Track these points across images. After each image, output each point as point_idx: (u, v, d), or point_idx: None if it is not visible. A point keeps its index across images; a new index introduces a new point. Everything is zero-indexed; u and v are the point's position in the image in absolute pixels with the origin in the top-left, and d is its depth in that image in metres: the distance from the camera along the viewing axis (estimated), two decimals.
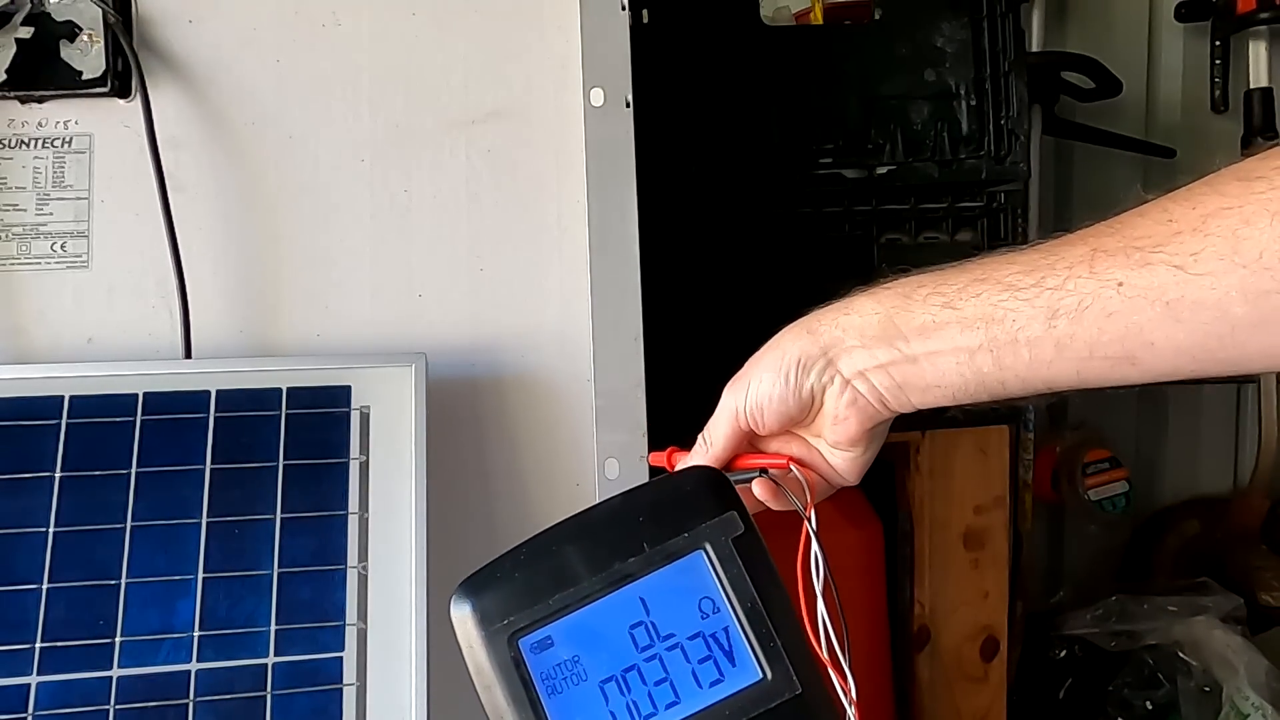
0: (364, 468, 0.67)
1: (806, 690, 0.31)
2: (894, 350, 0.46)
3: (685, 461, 0.49)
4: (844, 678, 0.32)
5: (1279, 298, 0.36)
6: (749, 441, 0.50)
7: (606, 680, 0.31)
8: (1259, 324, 0.37)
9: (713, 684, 0.31)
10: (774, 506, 0.48)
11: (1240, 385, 1.73)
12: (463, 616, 0.33)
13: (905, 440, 1.20)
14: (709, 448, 0.50)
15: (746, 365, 0.51)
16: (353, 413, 0.68)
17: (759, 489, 0.47)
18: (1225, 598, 1.49)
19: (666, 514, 0.33)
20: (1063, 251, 0.42)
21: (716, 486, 0.35)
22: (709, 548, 0.33)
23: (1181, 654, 1.43)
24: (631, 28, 0.77)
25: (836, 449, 0.51)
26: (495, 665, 0.31)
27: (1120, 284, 0.40)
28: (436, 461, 0.69)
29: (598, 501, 0.33)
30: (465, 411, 0.75)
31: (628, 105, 0.77)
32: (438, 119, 0.77)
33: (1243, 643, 1.42)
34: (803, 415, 0.50)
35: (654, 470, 0.52)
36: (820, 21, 1.20)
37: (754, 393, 0.49)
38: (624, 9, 0.77)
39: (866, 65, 1.13)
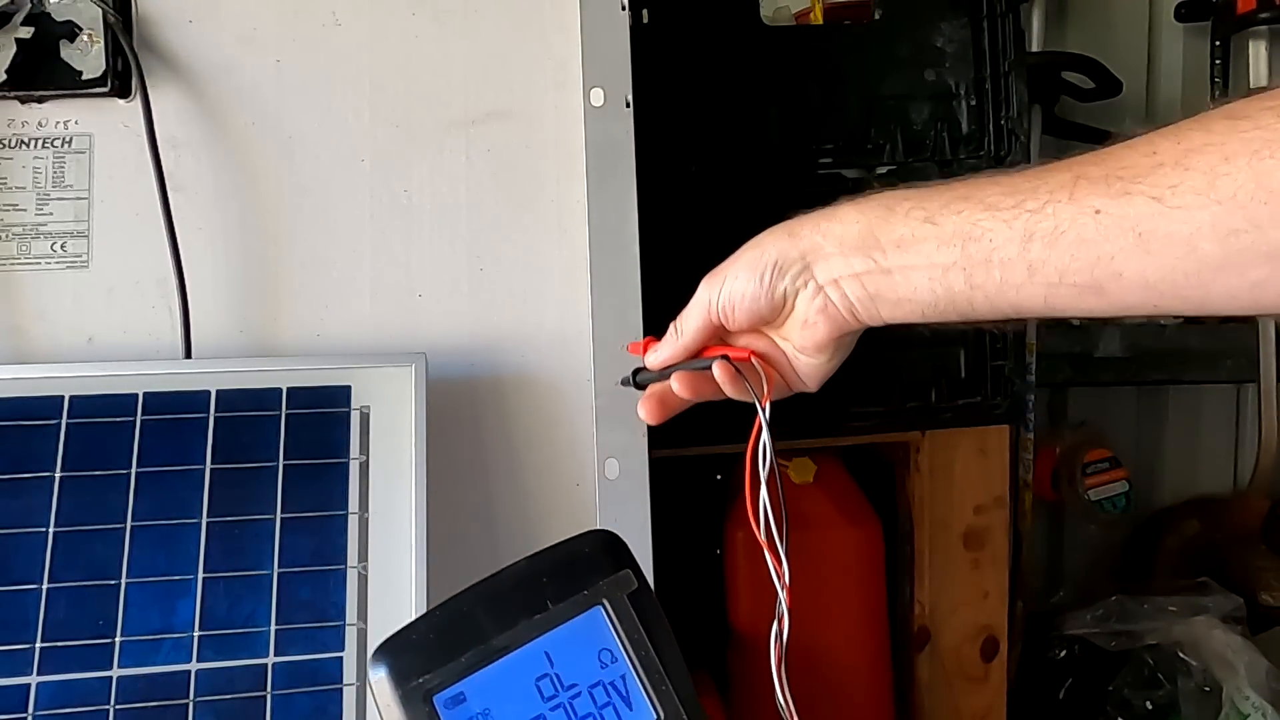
0: (364, 468, 0.67)
1: None
2: (870, 261, 0.47)
3: (656, 350, 0.53)
4: (779, 562, 0.38)
5: (1247, 238, 0.37)
6: (718, 336, 0.52)
7: None
8: (1225, 263, 0.38)
9: None
10: (730, 392, 0.51)
11: (1240, 385, 1.73)
12: (380, 678, 0.35)
13: (905, 440, 1.20)
14: (679, 337, 0.53)
15: (726, 261, 0.52)
16: (353, 413, 0.68)
17: (718, 370, 0.50)
18: (1225, 598, 1.49)
19: (567, 573, 0.36)
20: (1047, 176, 0.42)
21: (613, 547, 0.37)
22: (606, 603, 0.36)
23: (1181, 654, 1.43)
24: (631, 28, 0.77)
25: (802, 354, 0.52)
26: None
27: (1098, 211, 0.40)
28: (436, 461, 0.69)
29: (504, 566, 0.37)
30: (465, 411, 0.75)
31: (628, 105, 0.77)
32: (438, 119, 0.77)
33: (1243, 643, 1.41)
34: (773, 316, 0.51)
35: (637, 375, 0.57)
36: (820, 21, 1.20)
37: (728, 289, 0.50)
38: (624, 9, 0.77)
39: (866, 65, 1.13)
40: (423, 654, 0.35)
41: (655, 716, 0.34)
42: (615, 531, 0.38)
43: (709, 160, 1.08)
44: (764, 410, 0.47)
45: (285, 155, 0.76)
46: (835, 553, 1.16)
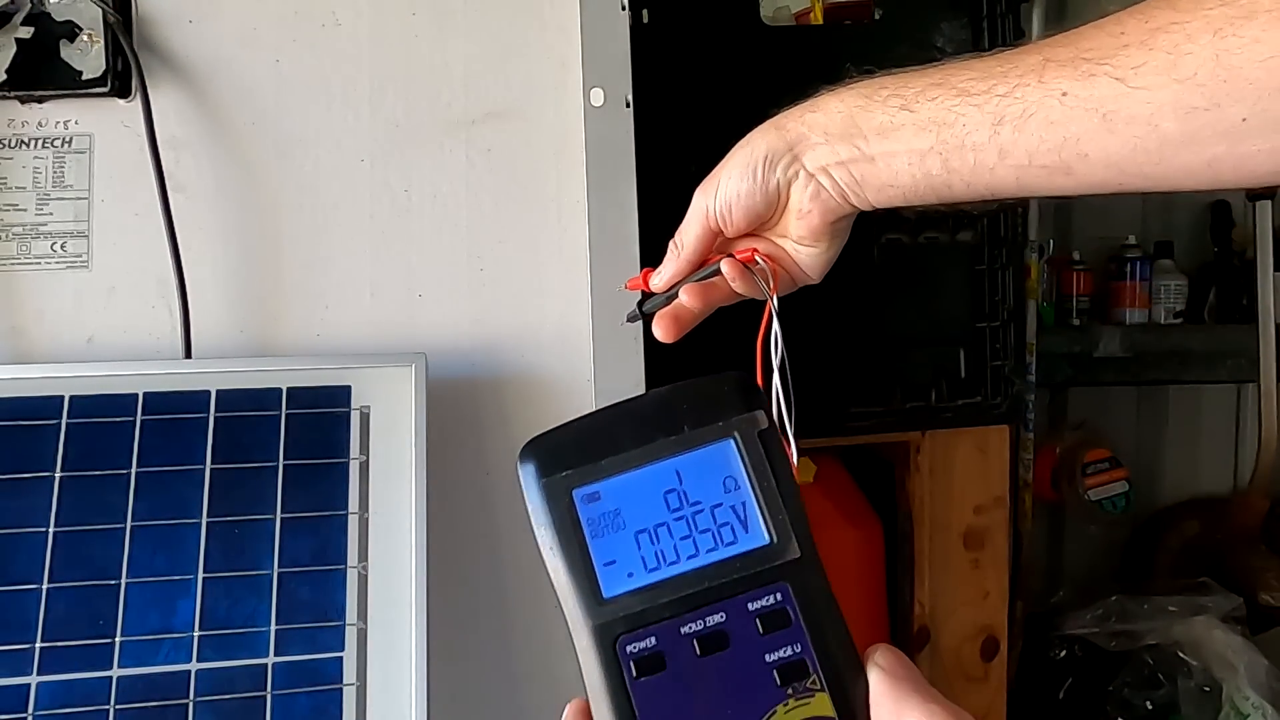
0: (364, 468, 0.67)
1: (804, 556, 0.37)
2: (854, 148, 0.48)
3: (659, 271, 0.55)
4: (788, 444, 0.41)
5: (1206, 115, 0.37)
6: (717, 244, 0.53)
7: (641, 531, 0.37)
8: (1185, 141, 0.38)
9: (727, 544, 0.37)
10: (739, 289, 0.53)
11: (1240, 385, 1.73)
12: (527, 469, 0.39)
13: (905, 440, 1.20)
14: (680, 250, 0.54)
15: (718, 167, 0.53)
16: (353, 413, 0.68)
17: (727, 267, 0.52)
18: (1225, 598, 1.49)
19: (704, 406, 0.39)
20: (1017, 60, 0.43)
21: (748, 390, 0.40)
22: (738, 436, 0.38)
23: (1181, 654, 1.43)
24: (631, 28, 0.77)
25: (801, 244, 0.53)
26: (550, 509, 0.38)
27: (1064, 93, 0.41)
28: (436, 461, 0.69)
29: (645, 392, 0.40)
30: (465, 411, 0.75)
31: (628, 105, 0.77)
32: (438, 119, 0.77)
33: (1243, 643, 1.42)
34: (769, 212, 0.52)
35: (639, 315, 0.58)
36: (820, 21, 1.20)
37: (723, 191, 0.52)
38: (624, 9, 0.77)
39: (866, 65, 1.13)
40: (567, 454, 0.39)
41: (768, 541, 0.37)
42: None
43: (709, 160, 1.08)
44: (773, 300, 0.51)
45: (285, 155, 0.76)
46: (835, 553, 1.16)
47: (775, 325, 0.50)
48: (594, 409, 0.39)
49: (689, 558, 0.37)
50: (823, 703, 0.35)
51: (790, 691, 0.35)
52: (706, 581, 0.37)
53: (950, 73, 0.45)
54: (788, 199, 0.51)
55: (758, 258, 0.52)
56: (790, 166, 0.50)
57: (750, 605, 0.36)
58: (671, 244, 0.54)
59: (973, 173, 0.44)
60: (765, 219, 0.52)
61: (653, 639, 0.36)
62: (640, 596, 0.37)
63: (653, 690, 0.36)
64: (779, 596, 0.36)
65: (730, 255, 0.53)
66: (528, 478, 0.39)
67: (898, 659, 0.35)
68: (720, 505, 0.38)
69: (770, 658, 0.36)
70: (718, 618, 0.36)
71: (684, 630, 0.36)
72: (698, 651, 0.36)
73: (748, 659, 0.36)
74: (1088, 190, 0.43)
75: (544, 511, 0.38)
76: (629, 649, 0.36)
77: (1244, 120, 0.37)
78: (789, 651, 0.36)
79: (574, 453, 0.39)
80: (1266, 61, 0.36)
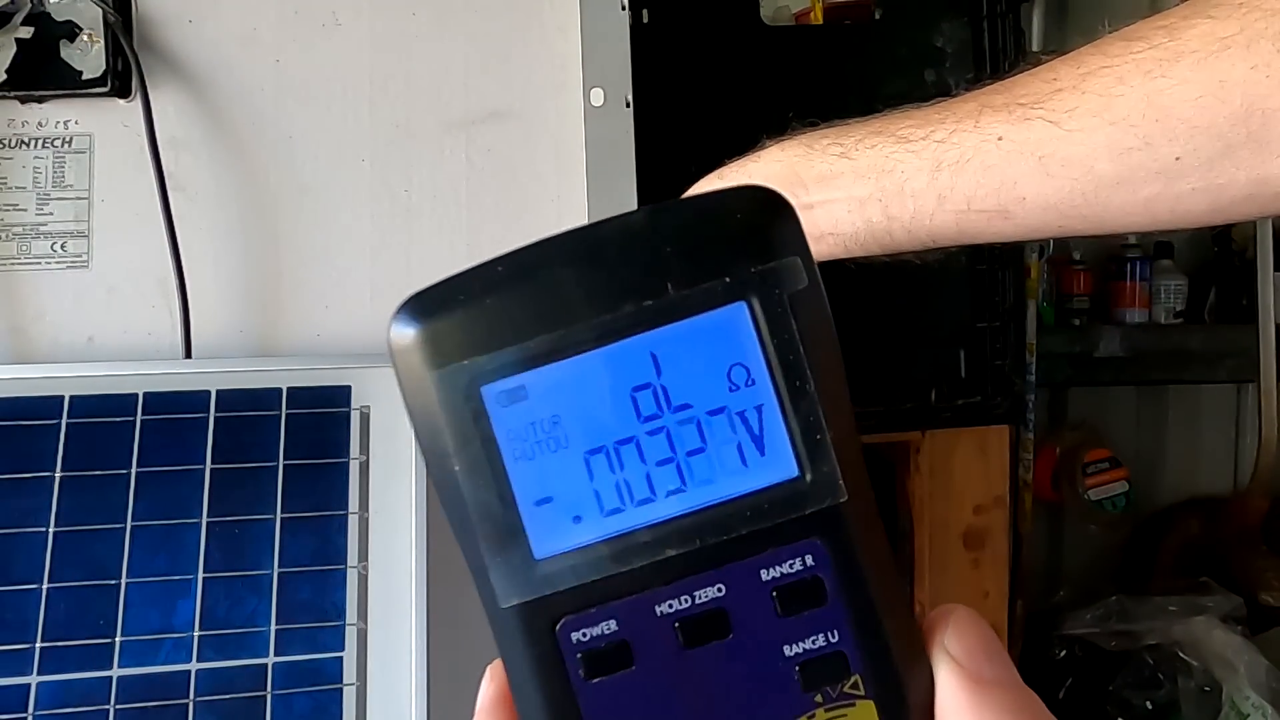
0: (364, 468, 0.67)
1: (853, 500, 0.23)
2: (793, 198, 0.48)
3: None
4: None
5: (1140, 155, 0.38)
6: None
7: (594, 451, 0.24)
8: (1120, 181, 0.39)
9: (733, 474, 0.24)
10: None
11: (1240, 385, 1.73)
12: (408, 345, 0.24)
13: (905, 440, 1.20)
14: None
15: None
16: (353, 413, 0.68)
17: None
18: (1225, 598, 1.49)
19: (704, 246, 0.24)
20: (955, 107, 0.44)
21: (778, 216, 0.24)
22: (756, 301, 0.23)
23: (1181, 654, 1.43)
24: (631, 28, 0.77)
25: None
26: (447, 415, 0.23)
27: (1000, 138, 0.41)
28: None
29: (610, 216, 0.24)
30: None
31: (628, 105, 0.77)
32: (438, 119, 0.77)
33: (1243, 643, 1.42)
34: None
35: None
36: (820, 21, 1.20)
37: None
38: (624, 9, 0.77)
39: (866, 65, 1.13)
40: (475, 323, 0.24)
41: (797, 474, 0.23)
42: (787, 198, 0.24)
43: (709, 160, 1.08)
44: None
45: (285, 155, 0.76)
46: None
47: None
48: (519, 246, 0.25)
49: (671, 494, 0.23)
50: (866, 715, 0.23)
51: (820, 700, 0.24)
52: (698, 535, 0.23)
53: (890, 121, 0.46)
54: None
55: None
56: None
57: (765, 573, 0.23)
58: None
59: (913, 219, 0.44)
60: None
61: (612, 623, 0.23)
62: (593, 556, 0.23)
63: (612, 700, 0.24)
64: (810, 560, 0.23)
65: None
66: (408, 361, 0.24)
67: (980, 643, 0.23)
68: (722, 411, 0.24)
69: (792, 650, 0.24)
70: (714, 591, 0.23)
71: (661, 610, 0.23)
72: (682, 642, 0.23)
73: (758, 653, 0.24)
74: (1028, 234, 0.43)
75: (437, 418, 0.24)
76: (576, 637, 0.23)
77: (1177, 159, 0.37)
78: (820, 641, 0.23)
79: (487, 322, 0.24)
80: (1197, 100, 0.36)
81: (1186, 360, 1.59)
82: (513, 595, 0.24)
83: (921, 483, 1.20)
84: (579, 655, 0.24)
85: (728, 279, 0.23)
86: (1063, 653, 1.52)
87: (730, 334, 0.24)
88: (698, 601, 0.24)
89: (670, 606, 0.23)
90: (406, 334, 0.24)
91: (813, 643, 0.24)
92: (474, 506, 0.24)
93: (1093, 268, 1.67)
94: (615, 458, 0.24)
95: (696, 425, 0.24)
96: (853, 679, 0.24)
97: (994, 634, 0.24)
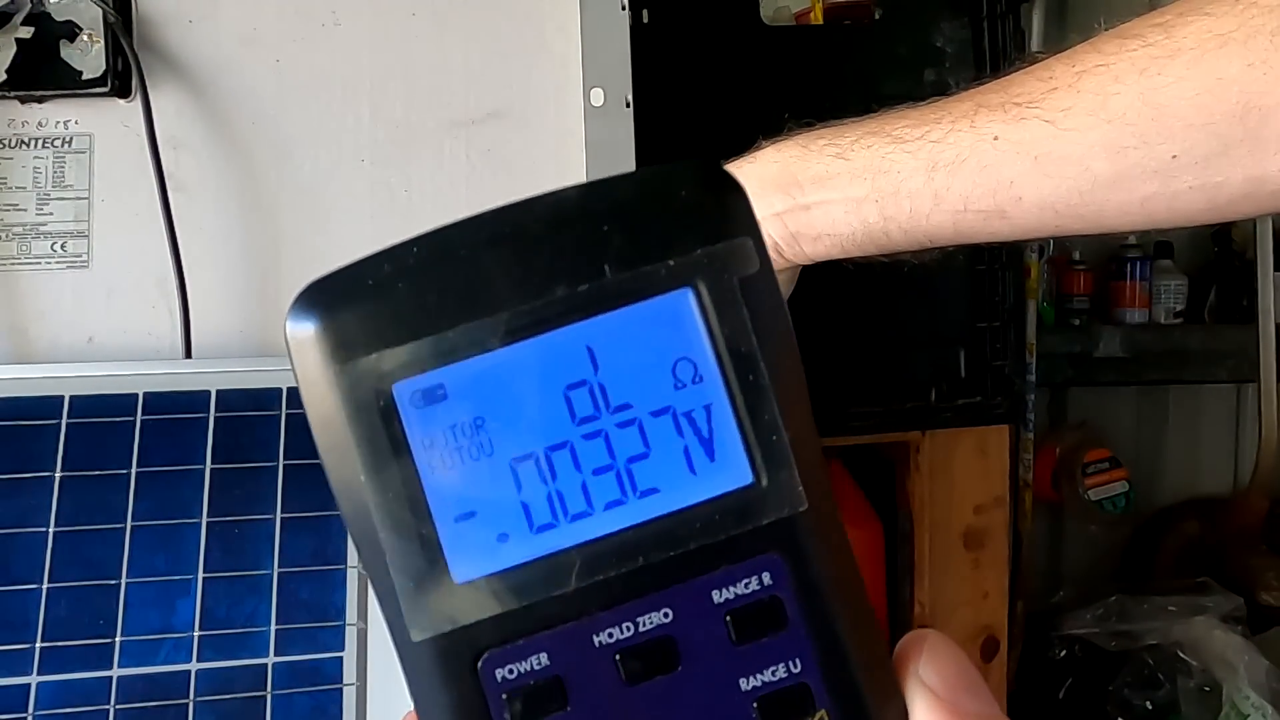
0: None
1: (814, 508, 0.21)
2: (789, 198, 0.47)
3: None
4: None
5: (1136, 154, 0.37)
6: None
7: (522, 458, 0.21)
8: (1116, 180, 0.38)
9: (680, 483, 0.21)
10: None
11: (1240, 385, 1.73)
12: (305, 339, 0.21)
13: (905, 440, 1.20)
14: None
15: None
16: None
17: None
18: (1225, 598, 1.49)
19: (646, 225, 0.21)
20: (950, 107, 0.44)
21: (726, 193, 0.21)
22: (703, 286, 0.21)
23: (1181, 654, 1.43)
24: (631, 28, 0.77)
25: None
26: (352, 419, 0.20)
27: (996, 138, 0.41)
28: None
29: (541, 193, 0.22)
30: None
31: (628, 105, 0.77)
32: (438, 119, 0.77)
33: (1243, 643, 1.42)
34: None
35: None
36: (820, 21, 1.20)
37: None
38: (624, 9, 0.77)
39: (866, 65, 1.13)
40: (384, 313, 0.21)
41: (751, 481, 0.21)
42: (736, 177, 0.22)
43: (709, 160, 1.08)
44: None
45: (285, 155, 0.76)
46: None
47: None
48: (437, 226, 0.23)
49: (610, 506, 0.21)
50: None
51: None
52: (640, 552, 0.20)
53: (886, 121, 0.45)
54: None
55: None
56: None
57: (717, 595, 0.21)
58: None
59: (909, 220, 0.44)
60: None
61: (543, 656, 0.20)
62: (521, 579, 0.20)
63: None
64: (768, 578, 0.21)
65: None
66: (305, 358, 0.21)
67: (958, 673, 0.22)
68: (666, 411, 0.21)
69: (749, 683, 0.21)
70: (659, 617, 0.21)
71: (600, 640, 0.20)
72: (624, 676, 0.20)
73: (711, 687, 0.21)
74: (1025, 234, 0.43)
75: (338, 424, 0.21)
76: (501, 675, 0.20)
77: (1174, 157, 0.37)
78: (781, 672, 0.21)
79: (398, 312, 0.21)
80: (1193, 98, 0.36)
81: (1186, 360, 1.59)
82: (426, 627, 0.20)
83: (921, 483, 1.20)
84: (504, 696, 0.20)
85: (671, 262, 0.21)
86: (1063, 653, 1.52)
87: (675, 324, 0.21)
88: (641, 629, 0.21)
89: (610, 636, 0.20)
90: (305, 326, 0.21)
91: (772, 674, 0.21)
92: (382, 524, 0.20)
93: (1093, 268, 1.67)
94: (547, 466, 0.21)
95: (638, 427, 0.21)
96: (818, 715, 0.21)
97: (971, 663, 0.22)
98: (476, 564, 0.20)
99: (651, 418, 0.21)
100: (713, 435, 0.21)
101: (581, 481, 0.21)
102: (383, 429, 0.20)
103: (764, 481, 0.21)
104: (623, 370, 0.21)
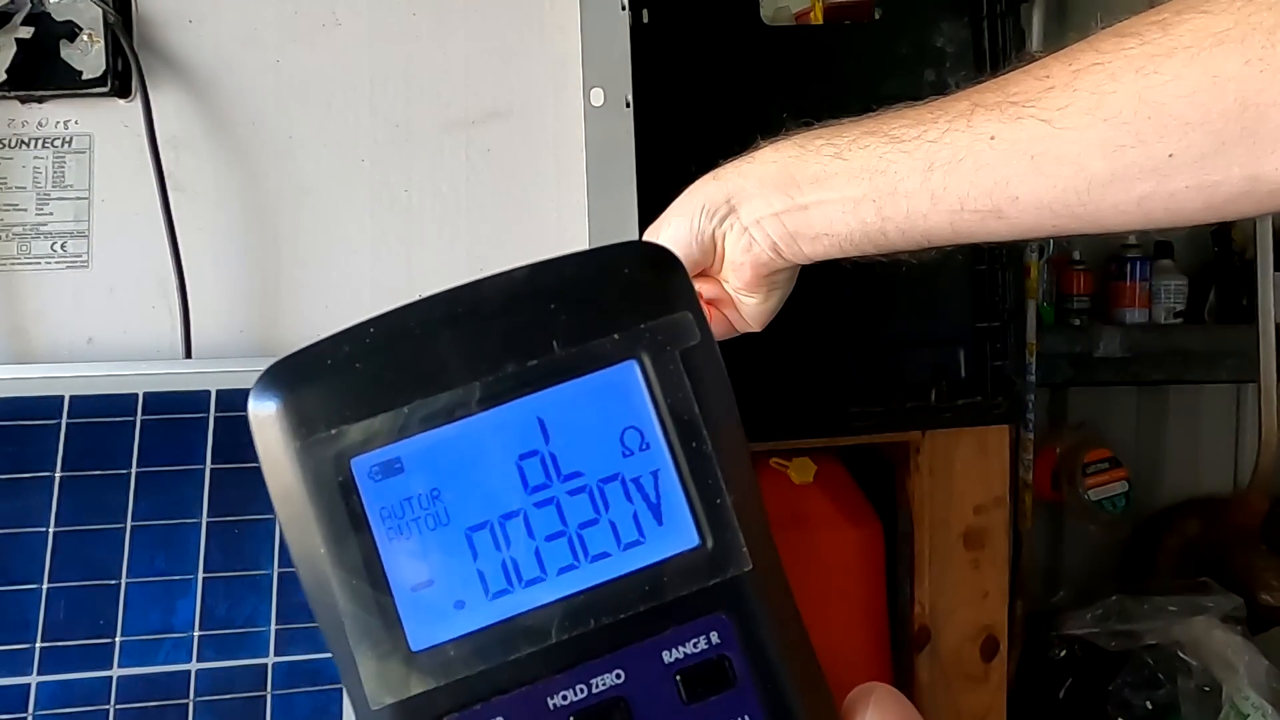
0: None
1: (758, 568, 0.22)
2: (787, 199, 0.47)
3: None
4: None
5: (1133, 153, 0.37)
6: None
7: (477, 528, 0.22)
8: (1113, 179, 0.38)
9: (629, 547, 0.22)
10: None
11: (1240, 385, 1.73)
12: (267, 416, 0.22)
13: (905, 440, 1.20)
14: None
15: (666, 210, 0.52)
16: None
17: None
18: (1225, 598, 1.49)
19: (591, 302, 0.22)
20: (947, 106, 0.44)
21: (666, 271, 0.23)
22: (646, 358, 0.22)
23: (1181, 654, 1.43)
24: (631, 28, 0.77)
25: (738, 294, 0.52)
26: (312, 493, 0.22)
27: (992, 137, 0.41)
28: None
29: (491, 274, 0.23)
30: None
31: (628, 105, 0.77)
32: (438, 119, 0.77)
33: (1243, 643, 1.42)
34: (706, 260, 0.51)
35: None
36: (820, 21, 1.20)
37: (664, 236, 0.51)
38: (624, 9, 0.77)
39: (866, 65, 1.13)
40: (342, 390, 0.22)
41: (698, 544, 0.22)
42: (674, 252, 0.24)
43: (709, 160, 1.08)
44: None
45: (285, 155, 0.76)
46: (835, 553, 1.16)
47: None
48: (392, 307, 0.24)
49: (563, 571, 0.22)
50: None
51: None
52: (592, 615, 0.21)
53: (883, 121, 0.45)
54: (724, 250, 0.50)
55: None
56: (726, 218, 0.49)
57: (667, 655, 0.22)
58: None
59: (907, 220, 0.44)
60: (705, 267, 0.52)
61: None
62: (477, 645, 0.21)
63: None
64: (715, 637, 0.22)
65: None
66: (266, 435, 0.22)
67: None
68: (615, 479, 0.22)
69: None
70: (612, 678, 0.21)
71: (554, 702, 0.21)
72: None
73: None
74: (1022, 234, 0.43)
75: (299, 498, 0.22)
76: None
77: (1170, 156, 0.37)
78: None
79: (356, 389, 0.22)
80: (1189, 97, 0.36)
81: (1186, 360, 1.59)
82: (385, 694, 0.21)
83: (921, 483, 1.20)
84: None
85: (616, 336, 0.22)
86: (1063, 653, 1.52)
87: (621, 394, 0.22)
88: (594, 690, 0.21)
89: (564, 698, 0.21)
90: (266, 405, 0.22)
91: None
92: (342, 594, 0.21)
93: (1093, 268, 1.67)
94: (501, 534, 0.22)
95: (589, 494, 0.22)
96: None
97: (919, 714, 0.22)
98: (434, 631, 0.21)
99: (601, 484, 0.22)
100: (660, 500, 0.22)
101: (535, 548, 0.22)
102: (341, 502, 0.22)
103: (709, 544, 0.22)
104: (573, 440, 0.22)
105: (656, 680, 0.22)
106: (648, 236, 0.53)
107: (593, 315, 0.22)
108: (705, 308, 0.40)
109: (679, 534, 0.22)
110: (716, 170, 0.51)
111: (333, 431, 0.22)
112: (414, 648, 0.21)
